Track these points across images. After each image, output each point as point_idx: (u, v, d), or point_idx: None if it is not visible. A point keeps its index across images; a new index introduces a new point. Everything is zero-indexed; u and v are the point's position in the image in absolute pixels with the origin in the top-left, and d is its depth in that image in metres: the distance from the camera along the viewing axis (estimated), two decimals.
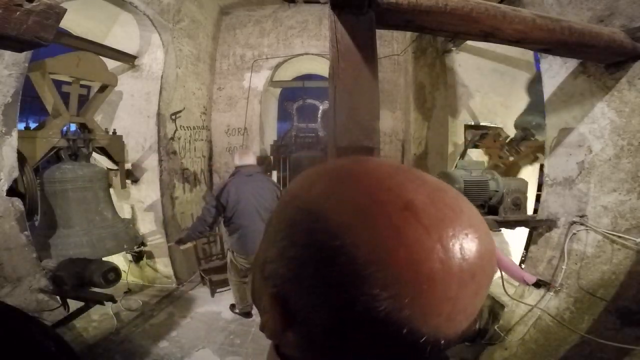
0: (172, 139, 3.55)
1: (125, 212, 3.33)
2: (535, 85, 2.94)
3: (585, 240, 1.56)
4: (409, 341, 0.25)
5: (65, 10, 0.99)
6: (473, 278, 0.26)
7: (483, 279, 0.27)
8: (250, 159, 2.89)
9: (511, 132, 2.73)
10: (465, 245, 0.25)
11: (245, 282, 2.87)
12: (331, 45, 0.96)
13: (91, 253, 2.48)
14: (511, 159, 2.56)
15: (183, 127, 3.73)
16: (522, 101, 2.96)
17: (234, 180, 2.76)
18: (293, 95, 4.95)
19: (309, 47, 4.36)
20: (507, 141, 2.60)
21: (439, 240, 0.25)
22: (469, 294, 0.26)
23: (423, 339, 0.25)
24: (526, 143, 2.47)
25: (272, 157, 4.63)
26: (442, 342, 0.26)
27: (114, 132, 3.04)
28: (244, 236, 2.60)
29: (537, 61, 2.22)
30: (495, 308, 2.27)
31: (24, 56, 1.93)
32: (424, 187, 0.28)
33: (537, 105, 2.78)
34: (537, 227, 1.82)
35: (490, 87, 2.93)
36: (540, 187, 2.16)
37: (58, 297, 2.09)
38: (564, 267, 1.62)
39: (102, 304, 2.10)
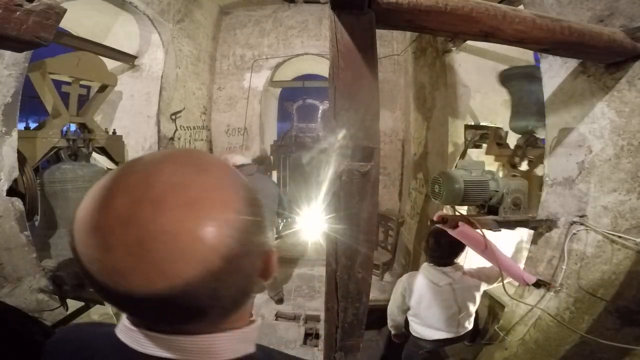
0: (172, 139, 3.55)
1: None
2: (515, 82, 2.55)
3: (585, 240, 1.56)
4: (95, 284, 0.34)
5: (65, 10, 0.99)
6: (104, 240, 0.32)
7: (121, 242, 0.31)
8: (247, 159, 2.91)
9: (511, 133, 2.70)
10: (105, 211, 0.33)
11: None
12: (331, 45, 0.96)
13: None
14: (524, 166, 2.34)
15: (183, 127, 3.73)
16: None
17: None
18: (293, 95, 4.95)
19: (309, 47, 4.36)
20: (512, 148, 2.42)
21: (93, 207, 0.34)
22: (115, 254, 0.31)
23: (97, 283, 0.33)
24: (533, 151, 2.28)
25: (272, 157, 4.64)
26: (115, 292, 0.32)
27: (114, 132, 3.04)
28: None
29: (537, 61, 2.21)
30: (495, 308, 2.27)
31: (24, 56, 1.93)
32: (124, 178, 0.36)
33: (524, 107, 2.44)
34: (537, 227, 1.82)
35: (490, 87, 2.92)
36: (540, 187, 2.14)
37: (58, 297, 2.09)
38: (564, 267, 1.62)
39: (102, 304, 2.10)
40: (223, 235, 0.33)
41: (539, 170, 2.30)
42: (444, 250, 1.88)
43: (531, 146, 2.31)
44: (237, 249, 0.34)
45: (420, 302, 1.87)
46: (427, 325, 1.90)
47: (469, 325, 1.96)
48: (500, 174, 2.42)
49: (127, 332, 0.39)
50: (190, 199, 0.33)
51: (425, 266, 1.94)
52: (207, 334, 0.38)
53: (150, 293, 0.31)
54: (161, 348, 0.36)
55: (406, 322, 2.06)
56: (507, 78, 2.68)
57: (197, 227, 0.32)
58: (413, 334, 1.99)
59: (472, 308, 1.91)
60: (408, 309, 1.96)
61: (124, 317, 0.40)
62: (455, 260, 1.92)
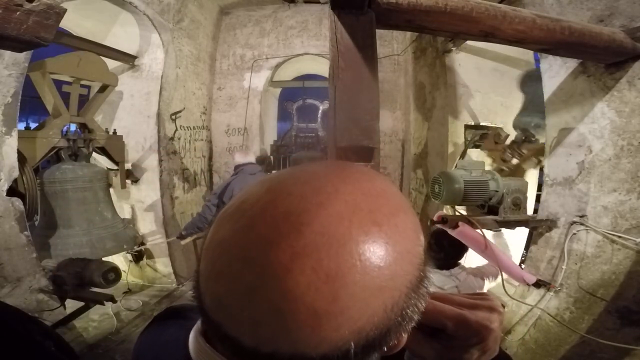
0: (172, 139, 3.55)
1: (125, 212, 3.32)
2: (531, 83, 2.77)
3: (585, 240, 1.56)
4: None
5: (65, 10, 0.99)
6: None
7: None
8: (252, 157, 2.90)
9: (511, 132, 2.71)
10: None
11: None
12: (331, 45, 0.96)
13: (91, 253, 2.48)
14: (514, 161, 2.47)
15: (183, 127, 3.73)
16: (522, 101, 2.95)
17: (237, 179, 2.78)
18: (293, 95, 4.94)
19: (309, 47, 4.36)
20: (508, 143, 2.53)
21: None
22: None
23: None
24: (527, 145, 2.40)
25: (272, 157, 4.64)
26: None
27: (114, 132, 3.04)
28: None
29: (537, 61, 2.21)
30: None
31: (23, 56, 1.93)
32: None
33: (534, 105, 2.62)
34: (537, 227, 1.82)
35: (490, 87, 2.92)
36: (540, 187, 2.15)
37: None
38: (564, 267, 1.62)
39: (102, 304, 2.10)
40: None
41: (528, 165, 2.49)
42: (447, 252, 1.85)
43: (527, 142, 2.40)
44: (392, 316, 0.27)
45: None
46: None
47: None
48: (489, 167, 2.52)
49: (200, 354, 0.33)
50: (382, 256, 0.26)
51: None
52: None
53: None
54: None
55: None
56: (526, 79, 2.82)
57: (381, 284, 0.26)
58: None
59: None
60: None
61: (197, 326, 0.35)
62: (459, 261, 1.90)
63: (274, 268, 0.24)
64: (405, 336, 0.31)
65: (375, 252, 0.26)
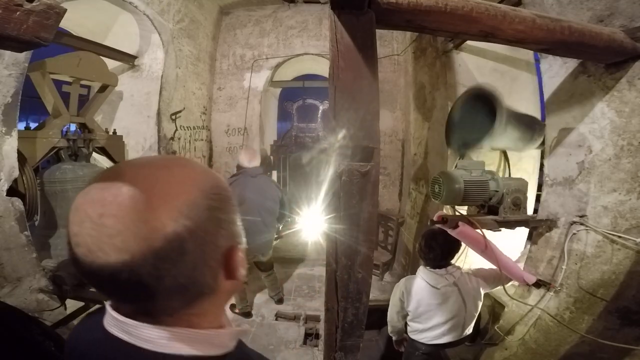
0: (172, 139, 3.55)
1: None
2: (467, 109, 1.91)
3: (585, 240, 1.56)
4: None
5: (65, 10, 0.99)
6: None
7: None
8: (257, 161, 2.90)
9: None
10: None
11: (246, 283, 2.86)
12: (331, 45, 0.96)
13: None
14: None
15: (183, 127, 3.74)
16: (522, 101, 2.94)
17: (239, 180, 2.77)
18: (293, 95, 4.94)
19: (309, 47, 4.36)
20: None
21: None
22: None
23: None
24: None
25: (272, 157, 4.64)
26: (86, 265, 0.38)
27: (114, 132, 3.04)
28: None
29: (537, 61, 2.21)
30: (495, 308, 2.27)
31: (24, 56, 1.93)
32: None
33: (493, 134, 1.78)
34: (537, 227, 1.82)
35: None
36: (540, 187, 2.15)
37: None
38: (564, 267, 1.62)
39: (102, 303, 2.10)
40: (168, 219, 0.38)
41: None
42: (436, 252, 1.83)
43: None
44: (184, 233, 0.38)
45: (419, 306, 1.85)
46: (427, 329, 1.87)
47: (470, 329, 1.93)
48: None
49: (106, 315, 0.45)
50: (146, 188, 0.39)
51: (421, 269, 1.91)
52: (154, 325, 0.41)
53: (105, 264, 0.37)
54: (118, 330, 0.42)
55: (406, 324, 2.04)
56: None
57: (146, 209, 0.37)
58: (411, 335, 1.97)
59: (473, 311, 1.88)
60: (407, 314, 1.94)
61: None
62: (450, 261, 1.89)
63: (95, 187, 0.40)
64: (236, 259, 0.45)
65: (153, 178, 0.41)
